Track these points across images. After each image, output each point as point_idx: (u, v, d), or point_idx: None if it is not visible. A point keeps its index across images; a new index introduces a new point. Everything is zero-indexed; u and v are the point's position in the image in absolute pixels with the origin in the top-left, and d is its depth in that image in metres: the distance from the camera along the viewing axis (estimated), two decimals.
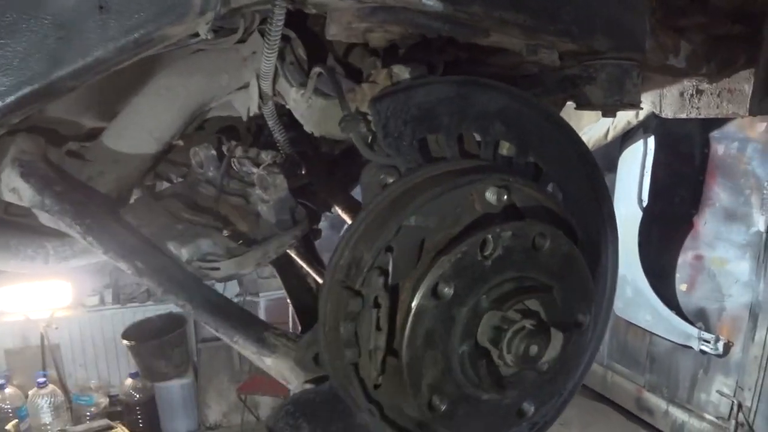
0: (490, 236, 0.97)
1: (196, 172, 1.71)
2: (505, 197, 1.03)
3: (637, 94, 1.69)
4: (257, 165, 1.63)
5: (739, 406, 4.37)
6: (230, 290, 5.59)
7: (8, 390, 4.82)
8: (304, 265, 1.70)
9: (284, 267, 1.81)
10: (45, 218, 1.60)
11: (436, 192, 1.01)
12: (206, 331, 5.44)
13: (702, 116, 2.32)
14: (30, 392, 4.82)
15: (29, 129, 1.64)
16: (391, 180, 1.08)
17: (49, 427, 4.80)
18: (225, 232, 1.52)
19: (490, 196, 1.03)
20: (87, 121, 1.78)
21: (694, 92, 2.33)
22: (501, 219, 1.04)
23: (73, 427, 4.88)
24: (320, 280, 1.62)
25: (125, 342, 4.88)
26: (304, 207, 1.82)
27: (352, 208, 1.77)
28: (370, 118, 1.10)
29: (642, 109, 2.58)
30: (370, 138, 1.11)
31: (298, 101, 1.49)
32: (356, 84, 1.26)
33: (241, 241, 1.48)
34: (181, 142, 1.86)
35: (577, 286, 1.08)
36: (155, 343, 4.89)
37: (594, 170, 1.29)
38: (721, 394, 4.50)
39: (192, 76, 1.67)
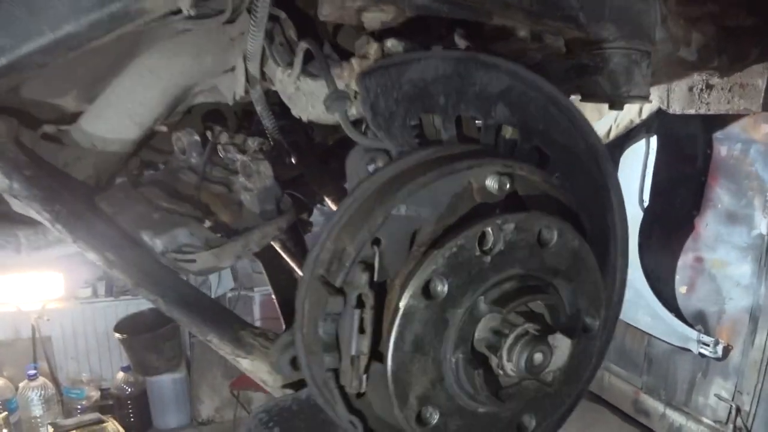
0: (490, 229, 0.85)
1: (179, 159, 1.59)
2: (508, 185, 0.90)
3: (646, 86, 1.58)
4: (243, 152, 1.51)
5: (738, 410, 4.25)
6: (225, 284, 5.47)
7: None
8: (288, 260, 1.57)
9: (271, 260, 1.69)
10: (17, 205, 1.47)
11: (430, 177, 0.88)
12: None
13: (712, 112, 2.20)
14: (20, 385, 4.70)
15: (0, 110, 1.52)
16: (380, 164, 0.95)
17: (39, 420, 4.68)
18: (207, 223, 1.40)
19: (491, 183, 0.91)
20: (66, 104, 1.65)
21: (704, 87, 2.21)
22: (502, 210, 0.92)
23: (63, 421, 4.75)
24: (299, 272, 1.50)
25: (117, 335, 4.75)
26: (294, 198, 1.70)
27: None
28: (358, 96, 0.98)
29: (650, 102, 2.46)
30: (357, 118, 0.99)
31: (285, 82, 1.36)
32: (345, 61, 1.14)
33: (221, 233, 1.35)
34: (164, 128, 1.73)
35: (586, 286, 0.96)
36: (148, 337, 4.77)
37: (603, 160, 1.16)
38: (720, 398, 4.38)
39: (176, 58, 1.54)
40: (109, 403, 5.01)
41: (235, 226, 1.37)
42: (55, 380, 5.01)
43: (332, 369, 0.86)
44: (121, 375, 4.98)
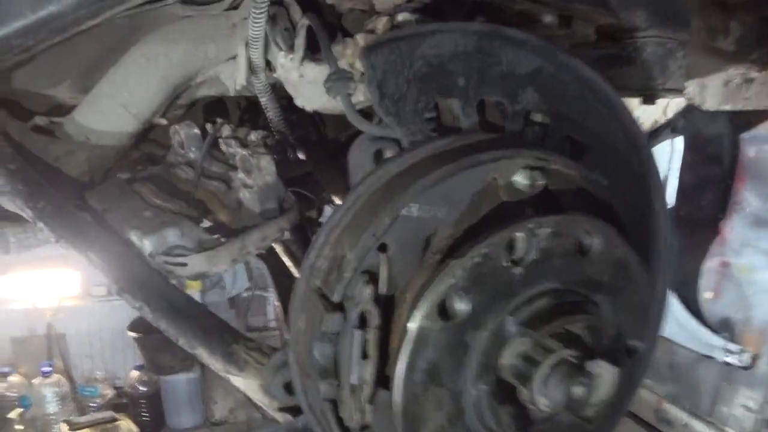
0: (521, 234, 0.69)
1: (176, 153, 1.45)
2: (541, 182, 0.75)
3: (681, 78, 1.42)
4: (245, 146, 1.37)
5: (765, 421, 4.03)
6: (240, 284, 5.33)
7: (13, 378, 4.61)
8: (291, 264, 1.42)
9: (275, 264, 1.54)
10: (5, 202, 1.34)
11: (448, 172, 0.72)
12: None
13: (751, 108, 2.02)
14: (35, 381, 4.60)
15: None
16: (388, 156, 0.80)
17: (53, 417, 4.58)
18: (204, 223, 1.25)
19: (521, 179, 0.75)
20: (59, 95, 1.52)
21: (743, 81, 2.02)
22: (533, 210, 0.76)
23: (77, 418, 4.65)
24: None
25: (132, 334, 4.64)
26: (302, 196, 1.55)
27: None
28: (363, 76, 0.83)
29: (684, 95, 2.27)
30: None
31: (288, 68, 1.22)
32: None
33: (218, 234, 1.21)
34: (164, 121, 1.60)
35: (631, 303, 0.79)
36: (161, 336, 4.62)
37: (646, 155, 0.99)
38: (746, 408, 4.16)
39: (175, 45, 1.41)
40: (123, 402, 4.89)
41: (234, 226, 1.23)
42: (69, 378, 4.90)
43: (329, 399, 0.71)
44: (135, 374, 4.86)
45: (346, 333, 0.68)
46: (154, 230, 1.17)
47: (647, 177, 0.99)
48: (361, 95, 0.92)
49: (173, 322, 1.02)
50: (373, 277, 0.68)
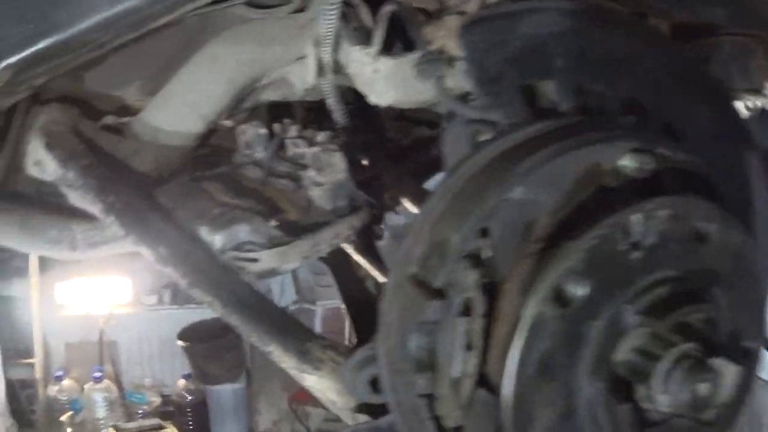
0: (639, 216, 0.62)
1: (243, 154, 1.42)
2: (650, 166, 0.68)
3: (762, 78, 1.34)
4: (313, 146, 1.34)
5: None
6: (288, 296, 5.31)
7: (66, 382, 4.65)
8: (364, 264, 1.37)
9: (340, 267, 1.50)
10: (75, 198, 1.34)
11: (554, 152, 0.67)
12: None
13: None
14: (86, 386, 4.64)
15: (61, 99, 1.39)
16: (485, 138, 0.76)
17: (101, 421, 4.60)
18: (272, 222, 1.22)
19: (629, 163, 0.69)
20: (128, 97, 1.52)
21: None
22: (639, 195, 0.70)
23: (125, 424, 4.67)
24: (381, 278, 1.29)
25: (180, 342, 4.65)
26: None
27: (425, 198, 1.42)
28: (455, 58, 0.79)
29: (766, 96, 2.17)
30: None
31: (363, 62, 1.18)
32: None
33: (287, 232, 1.17)
34: (229, 123, 1.58)
35: (747, 298, 0.72)
36: (209, 346, 4.64)
37: (748, 150, 0.92)
38: None
39: (243, 46, 1.40)
40: (170, 410, 4.88)
41: (304, 224, 1.19)
42: (118, 384, 4.93)
43: (425, 394, 0.65)
44: (182, 382, 4.86)
45: (447, 322, 0.62)
46: (224, 226, 1.14)
47: (748, 172, 0.92)
48: (450, 81, 0.87)
49: (245, 317, 0.98)
50: (477, 263, 0.63)
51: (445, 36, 0.88)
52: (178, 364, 4.99)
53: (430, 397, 0.65)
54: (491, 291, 0.64)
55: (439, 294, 0.63)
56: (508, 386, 0.60)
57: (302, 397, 4.72)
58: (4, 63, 1.11)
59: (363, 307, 1.41)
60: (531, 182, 0.66)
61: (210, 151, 1.57)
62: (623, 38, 0.83)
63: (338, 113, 1.48)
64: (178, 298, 5.13)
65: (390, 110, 1.81)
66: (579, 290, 0.59)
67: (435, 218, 0.68)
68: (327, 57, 1.29)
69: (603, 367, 0.62)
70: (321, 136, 1.35)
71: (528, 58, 0.78)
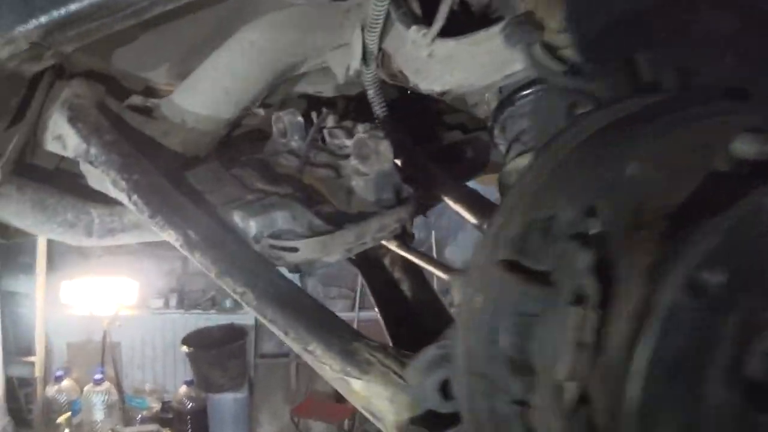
0: None
1: (278, 142, 1.32)
2: None
3: None
4: (352, 137, 1.23)
5: None
6: None
7: (65, 383, 4.53)
8: (417, 260, 1.24)
9: (373, 268, 1.38)
10: (94, 180, 1.24)
11: (674, 126, 0.56)
12: (266, 345, 5.04)
13: None
14: (85, 388, 4.52)
15: (88, 74, 1.30)
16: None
17: (99, 424, 4.47)
18: (313, 210, 1.11)
19: (743, 146, 0.58)
20: (156, 79, 1.42)
21: None
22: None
23: (123, 428, 4.55)
24: (441, 274, 1.17)
25: (184, 348, 4.53)
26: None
27: (470, 198, 1.31)
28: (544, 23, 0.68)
29: None
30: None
31: (418, 45, 1.08)
32: None
33: (328, 221, 1.06)
34: (261, 111, 1.49)
35: None
36: (214, 353, 4.52)
37: None
38: None
39: (283, 31, 1.30)
40: (169, 417, 4.74)
41: (344, 215, 1.08)
42: (119, 387, 4.81)
43: (518, 401, 0.53)
44: (183, 389, 4.72)
45: (553, 313, 0.51)
46: (261, 212, 1.03)
47: None
48: (537, 52, 0.76)
49: (282, 311, 0.86)
50: (589, 243, 0.51)
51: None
52: (180, 370, 4.87)
53: (523, 405, 0.53)
54: (604, 277, 0.52)
55: (542, 279, 0.52)
56: (633, 391, 0.48)
57: (304, 409, 4.59)
58: (34, 22, 1.02)
59: (401, 312, 1.29)
60: (646, 159, 0.55)
61: (243, 137, 1.47)
62: (727, 17, 0.73)
63: (378, 106, 1.38)
64: (185, 302, 5.02)
65: (428, 111, 1.72)
66: (715, 278, 0.47)
67: (533, 194, 0.57)
68: (374, 43, 1.20)
69: (738, 370, 0.50)
70: (360, 128, 1.25)
71: (629, 28, 0.68)
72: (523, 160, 1.17)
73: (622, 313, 0.49)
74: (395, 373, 0.76)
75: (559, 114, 0.68)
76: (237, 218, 1.04)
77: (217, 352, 4.50)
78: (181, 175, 1.19)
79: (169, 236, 1.04)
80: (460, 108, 1.49)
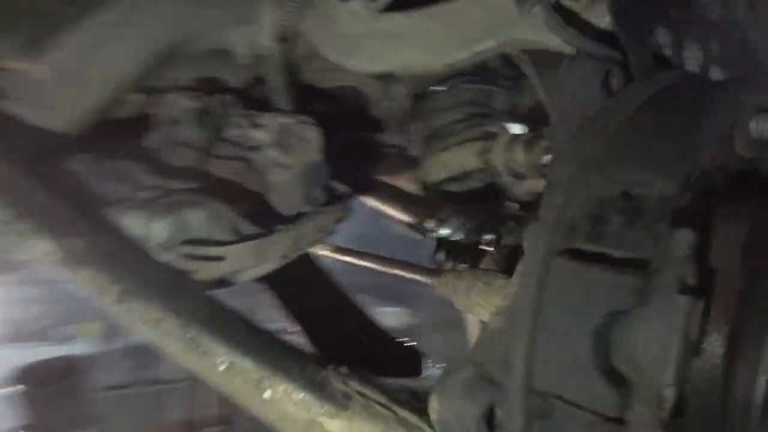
0: None
1: (166, 132, 1.11)
2: None
3: None
4: (257, 127, 1.06)
5: None
6: None
7: None
8: (370, 263, 1.08)
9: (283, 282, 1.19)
10: None
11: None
12: (111, 376, 4.50)
13: None
14: None
15: None
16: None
17: None
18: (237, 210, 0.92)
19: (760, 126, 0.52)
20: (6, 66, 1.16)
21: None
22: None
23: None
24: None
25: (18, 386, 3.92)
26: None
27: (397, 194, 1.18)
28: None
29: None
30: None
31: (357, 20, 0.94)
32: None
33: (256, 222, 0.88)
34: (143, 95, 1.26)
35: None
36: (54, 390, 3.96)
37: None
38: None
39: (164, 3, 1.11)
40: None
41: (273, 215, 0.90)
42: None
43: (614, 419, 0.42)
44: None
45: (651, 308, 0.40)
46: (166, 212, 0.82)
47: None
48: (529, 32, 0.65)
49: (222, 339, 0.67)
50: (686, 222, 0.41)
51: None
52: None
53: (619, 424, 0.42)
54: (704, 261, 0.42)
55: (638, 267, 0.41)
56: (758, 398, 0.38)
57: None
58: None
59: (325, 330, 1.11)
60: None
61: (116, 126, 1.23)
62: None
63: (283, 97, 1.21)
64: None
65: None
66: None
67: (598, 167, 0.46)
68: (293, 18, 1.04)
69: None
70: (268, 118, 1.08)
71: (652, 4, 0.61)
72: (449, 155, 1.08)
73: (741, 305, 0.40)
74: (379, 403, 0.61)
75: (594, 82, 0.58)
76: (133, 221, 0.82)
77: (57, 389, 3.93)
78: (48, 170, 0.94)
79: (41, 249, 0.80)
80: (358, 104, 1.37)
